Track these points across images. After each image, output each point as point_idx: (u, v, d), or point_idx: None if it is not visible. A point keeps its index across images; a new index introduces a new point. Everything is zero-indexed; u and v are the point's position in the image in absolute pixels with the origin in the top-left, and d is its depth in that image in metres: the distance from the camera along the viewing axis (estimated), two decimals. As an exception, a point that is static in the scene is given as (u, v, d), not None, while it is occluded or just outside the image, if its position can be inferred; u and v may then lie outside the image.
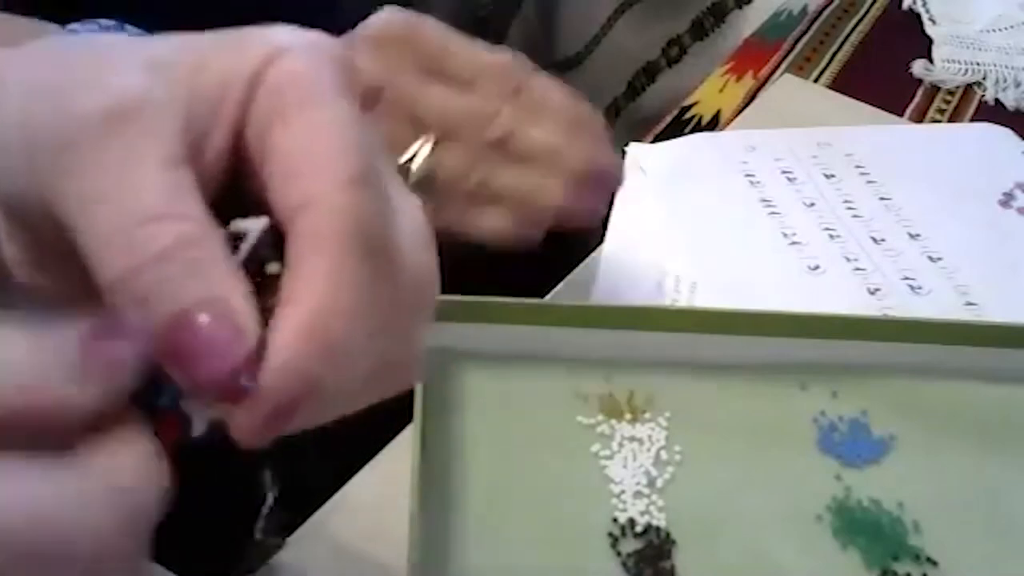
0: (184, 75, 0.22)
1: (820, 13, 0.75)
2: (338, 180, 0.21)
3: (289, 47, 0.22)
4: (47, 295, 0.23)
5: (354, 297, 0.21)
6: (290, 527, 0.41)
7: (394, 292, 0.22)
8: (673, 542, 0.39)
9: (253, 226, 0.22)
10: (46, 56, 0.22)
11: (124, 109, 0.20)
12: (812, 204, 0.58)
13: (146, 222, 0.20)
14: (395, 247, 0.22)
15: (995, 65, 0.69)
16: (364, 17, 0.41)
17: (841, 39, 0.72)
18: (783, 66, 0.70)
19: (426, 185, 0.40)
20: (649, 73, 1.03)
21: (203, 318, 0.19)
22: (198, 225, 0.20)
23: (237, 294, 0.20)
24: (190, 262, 0.20)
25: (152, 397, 0.21)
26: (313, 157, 0.21)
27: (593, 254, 0.54)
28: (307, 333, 0.20)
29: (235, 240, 0.21)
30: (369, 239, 0.21)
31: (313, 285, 0.20)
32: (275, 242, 0.21)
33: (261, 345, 0.20)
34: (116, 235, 0.20)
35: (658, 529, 0.40)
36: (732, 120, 0.65)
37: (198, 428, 0.21)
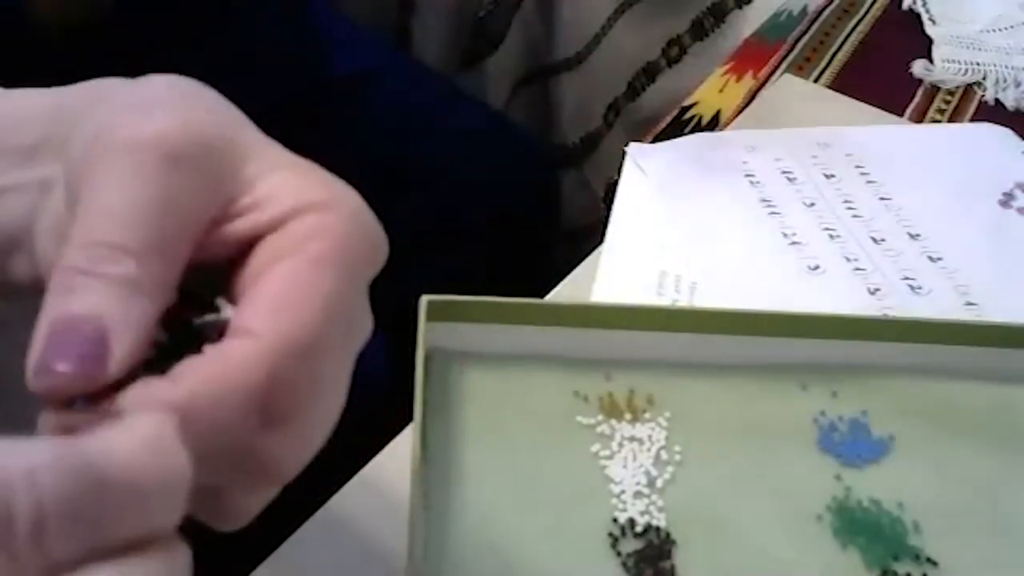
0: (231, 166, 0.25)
1: (820, 13, 0.75)
2: (283, 336, 0.22)
3: (336, 205, 0.24)
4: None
5: (209, 423, 0.22)
6: (290, 526, 0.41)
7: (270, 446, 0.23)
8: (673, 542, 0.39)
9: (226, 312, 0.24)
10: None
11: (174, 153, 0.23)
12: (812, 204, 0.58)
13: (109, 249, 0.22)
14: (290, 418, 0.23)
15: (995, 65, 0.69)
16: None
17: (841, 39, 0.72)
18: (783, 66, 0.70)
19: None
20: (649, 73, 1.03)
21: (86, 329, 0.22)
22: (146, 274, 0.23)
23: (126, 336, 0.22)
24: (116, 292, 0.22)
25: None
26: (283, 305, 0.23)
27: (593, 254, 0.54)
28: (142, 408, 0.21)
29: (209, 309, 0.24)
30: (259, 396, 0.22)
31: (192, 385, 0.22)
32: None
33: (119, 386, 0.22)
34: (83, 245, 0.22)
35: (658, 529, 0.40)
36: (732, 120, 0.65)
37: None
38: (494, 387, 0.43)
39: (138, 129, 0.23)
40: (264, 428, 0.23)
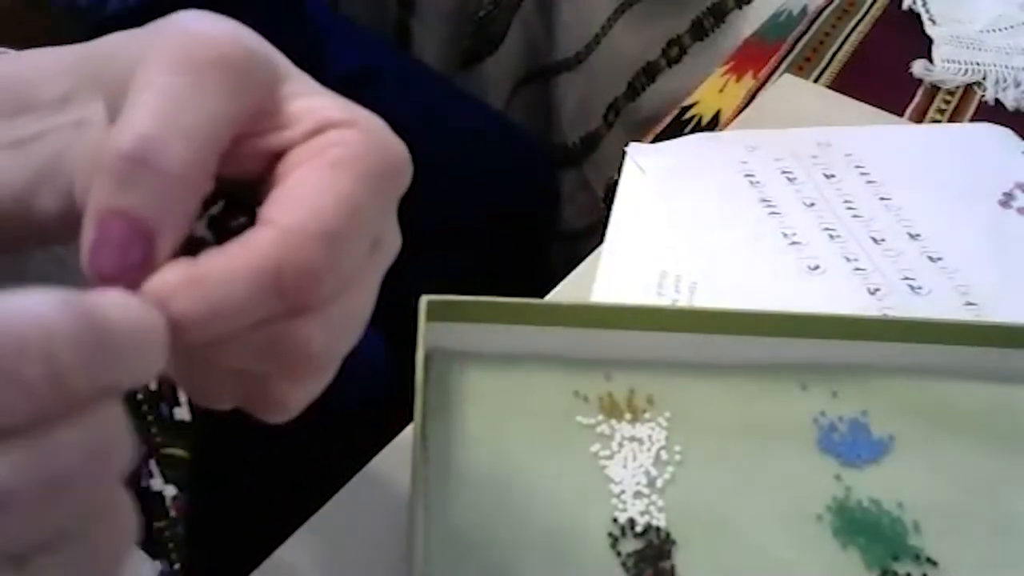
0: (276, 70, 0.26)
1: (820, 13, 0.75)
2: (300, 224, 0.24)
3: (357, 122, 0.26)
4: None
5: (233, 306, 0.24)
6: (291, 525, 0.41)
7: (295, 331, 0.25)
8: (673, 542, 0.39)
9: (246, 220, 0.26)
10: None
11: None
12: (812, 204, 0.58)
13: (167, 140, 0.24)
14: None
15: (995, 65, 0.69)
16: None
17: (841, 39, 0.72)
18: (783, 66, 0.70)
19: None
20: (649, 73, 1.03)
21: (133, 225, 0.23)
22: (191, 171, 0.24)
23: (166, 232, 0.24)
24: (161, 189, 0.24)
25: None
26: (302, 200, 0.25)
27: (593, 254, 0.54)
28: (166, 288, 0.23)
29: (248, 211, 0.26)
30: (280, 282, 0.24)
31: (216, 267, 0.24)
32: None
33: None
34: (140, 133, 0.24)
35: (658, 529, 0.40)
36: (732, 120, 0.65)
37: None
38: (494, 387, 0.43)
39: (192, 31, 0.25)
40: (292, 315, 0.24)
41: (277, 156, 0.26)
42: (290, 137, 0.26)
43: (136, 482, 0.31)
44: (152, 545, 0.29)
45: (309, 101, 0.26)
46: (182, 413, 0.28)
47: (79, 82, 0.28)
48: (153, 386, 0.28)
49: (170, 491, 0.29)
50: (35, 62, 0.29)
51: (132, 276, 0.23)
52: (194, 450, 0.28)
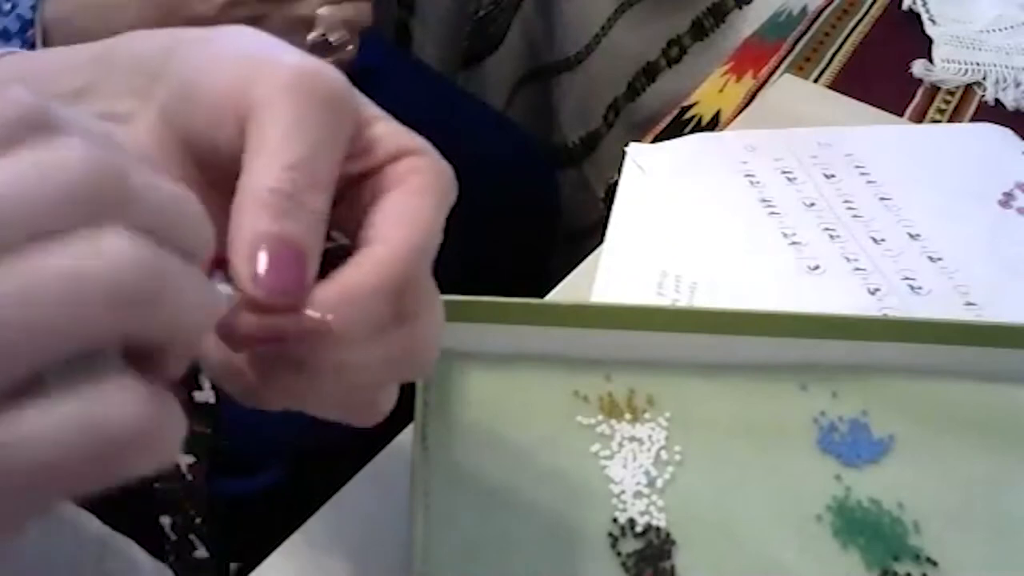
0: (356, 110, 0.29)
1: (820, 13, 0.75)
2: (409, 242, 0.27)
3: (427, 152, 0.29)
4: None
5: (367, 307, 0.26)
6: (291, 525, 0.41)
7: (407, 338, 0.28)
8: (673, 542, 0.39)
9: (339, 239, 0.29)
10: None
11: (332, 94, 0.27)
12: (812, 204, 0.58)
13: (312, 181, 0.26)
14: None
15: (995, 65, 0.69)
16: None
17: (841, 39, 0.72)
18: (783, 66, 0.70)
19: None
20: (649, 73, 1.03)
21: (295, 253, 0.25)
22: (328, 207, 0.27)
23: (316, 259, 0.26)
24: (313, 223, 0.26)
25: None
26: (403, 219, 0.28)
27: (593, 254, 0.54)
28: (337, 296, 0.26)
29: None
30: (399, 287, 0.27)
31: (348, 280, 0.26)
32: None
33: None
34: (290, 169, 0.26)
35: (658, 529, 0.40)
36: (732, 120, 0.65)
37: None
38: (494, 387, 0.43)
39: (303, 68, 0.27)
40: (400, 323, 0.28)
41: (355, 181, 0.29)
42: (372, 162, 0.29)
43: None
44: (162, 504, 0.30)
45: (382, 127, 0.29)
46: (204, 396, 0.29)
47: (94, 77, 0.29)
48: None
49: (186, 459, 0.29)
50: (49, 59, 0.30)
51: (297, 295, 0.25)
52: (215, 427, 0.29)
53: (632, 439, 0.42)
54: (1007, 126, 0.64)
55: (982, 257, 0.55)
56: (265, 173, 0.26)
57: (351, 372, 0.27)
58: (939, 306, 0.51)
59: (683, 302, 0.51)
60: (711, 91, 0.68)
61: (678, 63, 1.02)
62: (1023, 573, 0.40)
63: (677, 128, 0.65)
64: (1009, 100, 0.67)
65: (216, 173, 0.28)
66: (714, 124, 0.65)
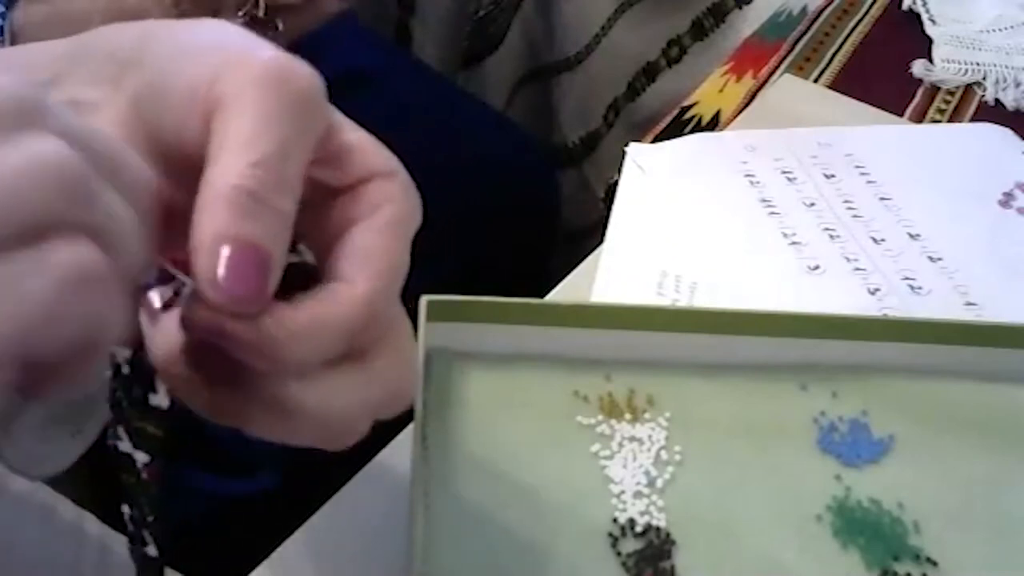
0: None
1: (820, 13, 0.75)
2: (374, 284, 0.27)
3: (397, 174, 0.29)
4: None
5: (325, 341, 0.26)
6: (290, 525, 0.41)
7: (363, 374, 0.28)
8: (673, 542, 0.39)
9: (307, 257, 0.29)
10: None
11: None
12: (812, 204, 0.58)
13: (279, 180, 0.25)
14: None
15: (995, 65, 0.69)
16: None
17: (841, 39, 0.72)
18: (783, 66, 0.70)
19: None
20: (649, 73, 1.03)
21: (260, 257, 0.25)
22: (294, 211, 0.26)
23: (279, 267, 0.25)
24: (280, 226, 0.25)
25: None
26: (370, 260, 0.27)
27: (593, 254, 0.54)
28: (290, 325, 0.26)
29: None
30: (358, 327, 0.27)
31: (318, 313, 0.26)
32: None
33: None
34: (256, 167, 0.25)
35: (658, 529, 0.40)
36: (732, 120, 0.65)
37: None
38: (494, 387, 0.43)
39: (274, 64, 0.26)
40: (353, 361, 0.27)
41: (325, 191, 0.28)
42: (342, 181, 0.28)
43: (102, 439, 0.32)
44: (123, 493, 0.30)
45: (352, 135, 0.29)
46: (158, 400, 0.29)
47: (64, 68, 0.28)
48: (126, 370, 0.29)
49: (141, 457, 0.29)
50: (26, 52, 0.29)
51: (260, 302, 0.25)
52: (167, 430, 0.29)
53: (632, 439, 0.42)
54: (1007, 126, 0.64)
55: (982, 257, 0.55)
56: (230, 170, 0.25)
57: (291, 406, 0.27)
58: (939, 306, 0.51)
59: (683, 302, 0.51)
60: (711, 91, 0.68)
61: (678, 63, 1.02)
62: (1023, 573, 0.40)
63: (677, 128, 0.65)
64: (1009, 100, 0.67)
65: (185, 169, 0.27)
66: (714, 124, 0.65)
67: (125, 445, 0.30)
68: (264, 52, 0.26)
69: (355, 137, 0.28)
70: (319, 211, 0.28)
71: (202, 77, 0.26)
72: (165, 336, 0.27)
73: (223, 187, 0.25)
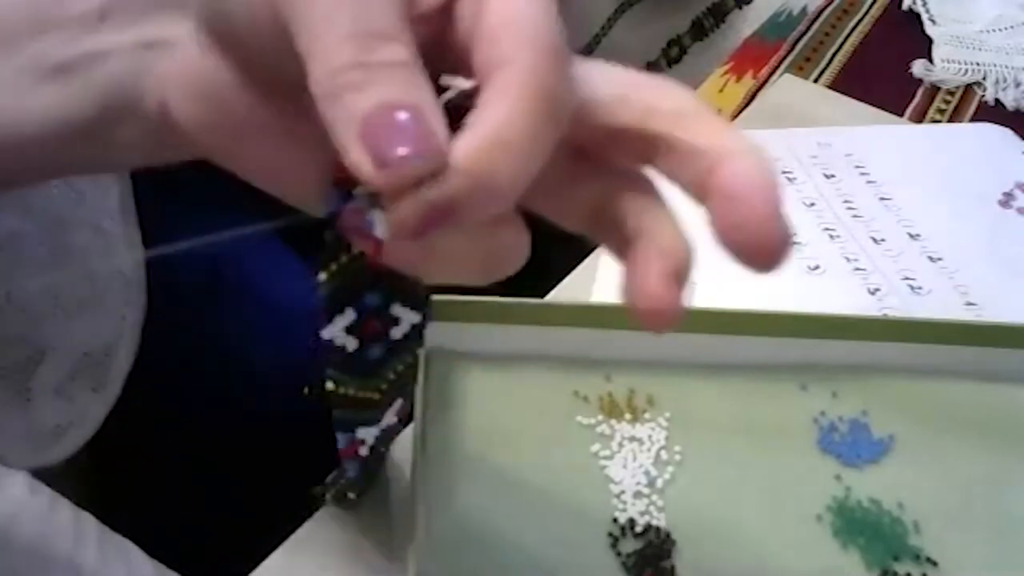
0: None
1: (820, 13, 0.75)
2: (537, 47, 0.23)
3: None
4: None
5: (524, 141, 0.22)
6: (290, 525, 0.41)
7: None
8: (673, 542, 0.39)
9: (458, 83, 0.24)
10: None
11: None
12: (812, 204, 0.58)
13: (373, 38, 0.22)
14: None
15: (995, 65, 0.69)
16: None
17: (841, 39, 0.72)
18: (783, 66, 0.70)
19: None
20: (649, 73, 1.03)
21: (402, 114, 0.21)
22: (411, 54, 0.22)
23: (434, 110, 0.22)
24: (403, 75, 0.22)
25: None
26: (518, 27, 0.23)
27: (593, 254, 0.54)
28: (474, 152, 0.22)
29: (439, 91, 0.23)
30: (551, 100, 0.23)
31: (490, 119, 0.22)
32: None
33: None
34: (345, 40, 0.22)
35: (658, 529, 0.40)
36: (732, 120, 0.65)
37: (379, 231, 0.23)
38: (494, 387, 0.43)
39: None
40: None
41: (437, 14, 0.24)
42: None
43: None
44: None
45: None
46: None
47: None
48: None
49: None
50: None
51: (431, 154, 0.22)
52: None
53: (632, 439, 0.42)
54: (1007, 126, 0.64)
55: (982, 257, 0.55)
56: (322, 57, 0.22)
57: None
58: (939, 306, 0.51)
59: (683, 302, 0.51)
60: (711, 91, 0.68)
61: (678, 63, 1.02)
62: (1023, 573, 0.40)
63: (677, 128, 0.65)
64: (1009, 100, 0.67)
65: (277, 82, 0.24)
66: (714, 124, 0.65)
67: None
68: None
69: None
70: (448, 17, 0.25)
71: None
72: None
73: (326, 78, 0.22)
